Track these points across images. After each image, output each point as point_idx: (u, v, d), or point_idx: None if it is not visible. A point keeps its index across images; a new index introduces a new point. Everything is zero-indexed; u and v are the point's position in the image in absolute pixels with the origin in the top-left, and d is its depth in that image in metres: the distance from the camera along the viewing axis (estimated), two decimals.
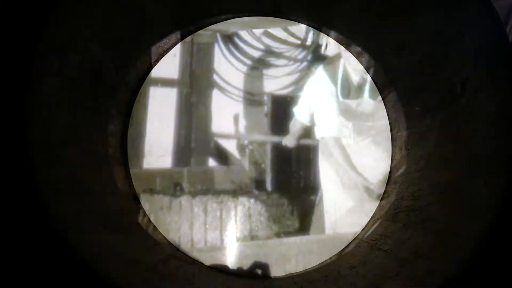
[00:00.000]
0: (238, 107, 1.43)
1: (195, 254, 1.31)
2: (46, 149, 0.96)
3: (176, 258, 1.23)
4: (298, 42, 1.49)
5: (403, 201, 1.26)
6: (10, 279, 0.81)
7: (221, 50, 1.47)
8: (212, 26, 1.47)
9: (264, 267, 1.31)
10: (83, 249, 0.87)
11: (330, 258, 1.33)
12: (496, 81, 1.01)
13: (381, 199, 1.38)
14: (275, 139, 1.40)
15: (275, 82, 1.46)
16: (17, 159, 0.88)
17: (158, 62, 1.45)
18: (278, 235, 1.36)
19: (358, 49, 1.45)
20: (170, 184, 1.36)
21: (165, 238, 1.32)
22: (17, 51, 0.96)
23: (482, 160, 1.02)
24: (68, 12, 1.07)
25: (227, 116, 1.41)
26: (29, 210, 0.85)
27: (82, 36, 1.13)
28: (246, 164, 1.39)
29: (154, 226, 1.33)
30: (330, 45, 1.48)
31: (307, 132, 1.42)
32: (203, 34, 1.47)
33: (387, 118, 1.45)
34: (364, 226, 1.36)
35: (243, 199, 1.36)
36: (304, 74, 1.47)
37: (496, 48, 1.01)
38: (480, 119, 1.05)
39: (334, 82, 1.46)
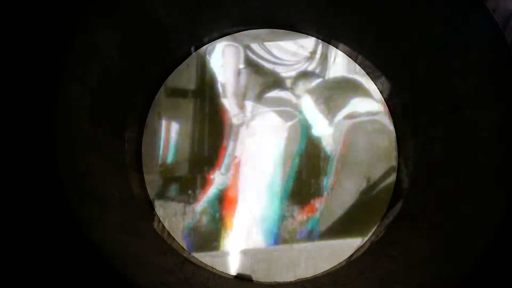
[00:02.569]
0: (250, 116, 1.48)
1: (208, 260, 1.35)
2: (71, 157, 1.00)
3: (191, 262, 1.27)
4: (308, 54, 1.54)
5: (408, 209, 1.31)
6: (41, 274, 0.86)
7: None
8: (225, 38, 1.52)
9: (247, 278, 1.35)
10: (106, 250, 0.91)
11: (339, 263, 1.37)
12: (499, 93, 1.06)
13: (388, 207, 1.42)
14: None
15: None
16: (45, 168, 0.93)
17: (172, 72, 1.49)
18: (288, 241, 1.40)
19: (366, 61, 1.50)
20: (184, 191, 1.40)
21: (179, 243, 1.36)
22: (44, 60, 1.01)
23: (486, 169, 1.07)
24: (90, 23, 1.12)
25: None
26: (57, 214, 0.90)
27: (103, 46, 1.19)
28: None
29: (168, 232, 1.36)
30: (338, 57, 1.54)
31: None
32: (216, 46, 1.52)
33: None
34: (372, 232, 1.40)
35: (255, 206, 1.41)
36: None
37: (499, 60, 1.07)
38: (484, 129, 1.10)
39: None
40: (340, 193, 1.45)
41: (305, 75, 1.52)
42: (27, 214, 0.93)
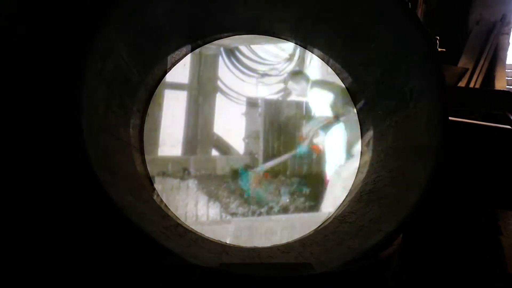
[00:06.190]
0: (237, 107, 1.74)
1: (197, 227, 1.60)
2: (94, 138, 1.25)
3: (183, 226, 1.52)
4: (287, 56, 1.81)
5: (366, 186, 1.58)
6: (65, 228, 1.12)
7: (224, 61, 1.79)
8: (217, 41, 1.79)
9: None
10: (119, 205, 1.16)
11: (309, 233, 1.63)
12: (431, 90, 1.34)
13: (351, 186, 1.69)
14: None
15: (267, 88, 1.78)
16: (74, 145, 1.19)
17: (171, 69, 1.76)
18: (266, 212, 1.66)
19: (336, 64, 1.78)
20: (180, 169, 1.66)
21: (174, 213, 1.61)
22: (74, 59, 1.29)
23: (422, 150, 1.34)
24: (110, 29, 1.37)
25: (228, 115, 1.73)
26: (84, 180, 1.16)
27: (117, 48, 1.44)
28: (242, 154, 1.70)
29: (165, 204, 1.62)
30: (313, 60, 1.81)
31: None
32: (209, 48, 1.79)
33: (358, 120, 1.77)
34: (336, 207, 1.67)
35: (239, 183, 1.67)
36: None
37: (431, 65, 1.35)
38: (421, 118, 1.38)
39: None
40: (315, 173, 1.72)
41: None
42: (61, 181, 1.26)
